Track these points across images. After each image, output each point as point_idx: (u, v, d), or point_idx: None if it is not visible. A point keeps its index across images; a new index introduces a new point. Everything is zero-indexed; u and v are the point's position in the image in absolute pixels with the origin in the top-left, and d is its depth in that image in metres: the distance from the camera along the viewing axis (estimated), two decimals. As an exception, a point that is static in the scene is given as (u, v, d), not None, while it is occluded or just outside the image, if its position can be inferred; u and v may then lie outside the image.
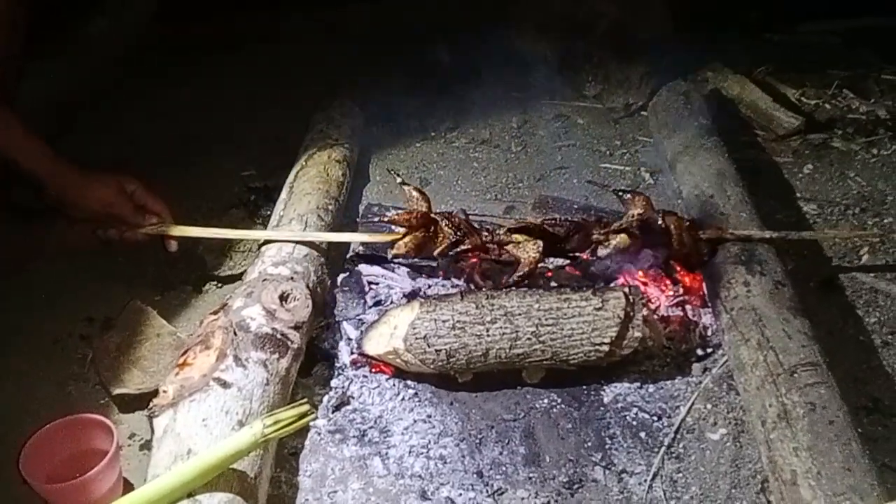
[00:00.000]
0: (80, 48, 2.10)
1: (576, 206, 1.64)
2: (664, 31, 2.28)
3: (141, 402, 1.21)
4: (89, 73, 2.11)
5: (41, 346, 1.34)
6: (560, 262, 1.45)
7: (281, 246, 1.36)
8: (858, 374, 1.29)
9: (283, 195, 1.53)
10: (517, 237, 1.35)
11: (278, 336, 1.16)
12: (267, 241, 1.39)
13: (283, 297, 1.21)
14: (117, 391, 1.22)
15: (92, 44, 2.15)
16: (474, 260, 1.43)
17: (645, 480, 1.12)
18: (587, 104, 2.10)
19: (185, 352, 1.11)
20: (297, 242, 1.36)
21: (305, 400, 1.01)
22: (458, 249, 1.36)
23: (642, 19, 2.30)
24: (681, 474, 1.13)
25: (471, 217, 1.43)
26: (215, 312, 1.19)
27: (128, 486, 1.09)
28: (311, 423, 1.19)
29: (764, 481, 1.10)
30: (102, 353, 1.29)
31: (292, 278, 1.26)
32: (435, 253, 1.38)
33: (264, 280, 1.24)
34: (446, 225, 1.34)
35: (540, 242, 1.34)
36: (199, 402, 1.03)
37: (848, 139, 1.95)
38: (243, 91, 2.12)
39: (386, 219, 1.38)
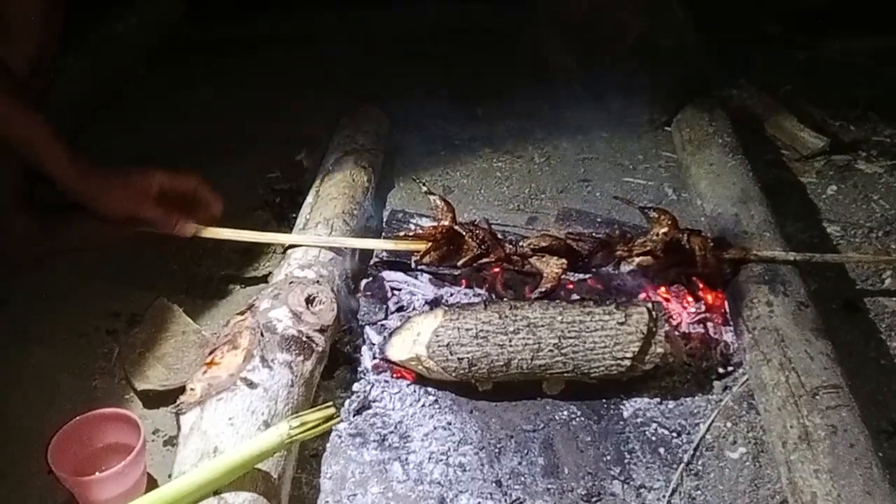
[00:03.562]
0: (104, 45, 2.13)
1: (599, 220, 1.64)
2: (689, 46, 2.29)
3: (165, 398, 1.23)
4: (112, 71, 2.14)
5: (67, 341, 1.36)
6: (584, 275, 1.46)
7: (307, 249, 1.38)
8: (879, 398, 1.29)
9: (310, 199, 1.54)
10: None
11: (304, 338, 1.17)
12: (292, 245, 1.40)
13: (310, 300, 1.23)
14: (142, 387, 1.24)
15: (116, 41, 2.18)
16: (497, 270, 1.44)
17: (663, 496, 1.12)
18: (611, 117, 2.10)
19: (213, 351, 1.13)
20: (323, 247, 1.37)
21: (331, 403, 1.02)
22: (482, 262, 1.37)
23: (667, 34, 2.30)
24: (699, 492, 1.13)
25: (493, 227, 1.44)
26: (242, 313, 1.20)
27: (151, 482, 1.11)
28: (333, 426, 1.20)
29: (783, 502, 1.10)
30: (128, 349, 1.31)
31: (318, 281, 1.28)
32: (458, 264, 1.39)
33: (291, 282, 1.25)
34: (470, 238, 1.35)
35: (564, 260, 1.35)
36: (226, 402, 1.04)
37: (872, 161, 1.95)
38: (268, 92, 2.14)
39: (411, 233, 1.39)
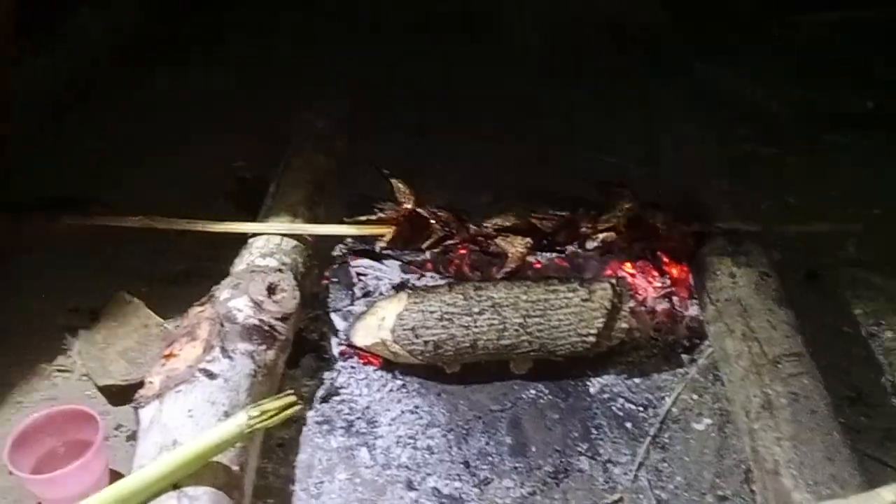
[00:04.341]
0: (68, 40, 2.08)
1: (565, 198, 1.63)
2: (658, 24, 2.28)
3: (128, 393, 1.20)
4: (78, 65, 2.09)
5: (26, 338, 1.33)
6: (551, 254, 1.45)
7: (269, 237, 1.36)
8: (842, 365, 1.31)
9: (272, 187, 1.52)
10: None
11: (265, 327, 1.16)
12: (255, 234, 1.38)
13: (271, 289, 1.21)
14: (103, 382, 1.22)
15: (81, 35, 2.14)
16: (463, 252, 1.44)
17: (630, 470, 1.13)
18: (578, 95, 2.09)
19: (171, 343, 1.11)
20: (285, 235, 1.35)
21: (291, 391, 1.01)
22: (447, 244, 1.36)
23: (636, 10, 2.30)
24: (665, 464, 1.14)
25: (459, 208, 1.43)
26: (202, 304, 1.18)
27: (115, 478, 1.08)
28: (299, 414, 1.19)
29: (748, 471, 1.11)
30: (88, 345, 1.28)
31: (280, 270, 1.26)
32: (423, 247, 1.38)
33: (252, 272, 1.24)
34: (433, 220, 1.34)
35: (528, 239, 1.34)
36: (185, 394, 1.02)
37: (837, 131, 1.96)
38: (233, 84, 2.10)
39: (374, 217, 1.37)
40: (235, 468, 0.98)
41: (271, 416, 0.96)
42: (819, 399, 1.07)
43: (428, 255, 1.46)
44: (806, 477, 0.98)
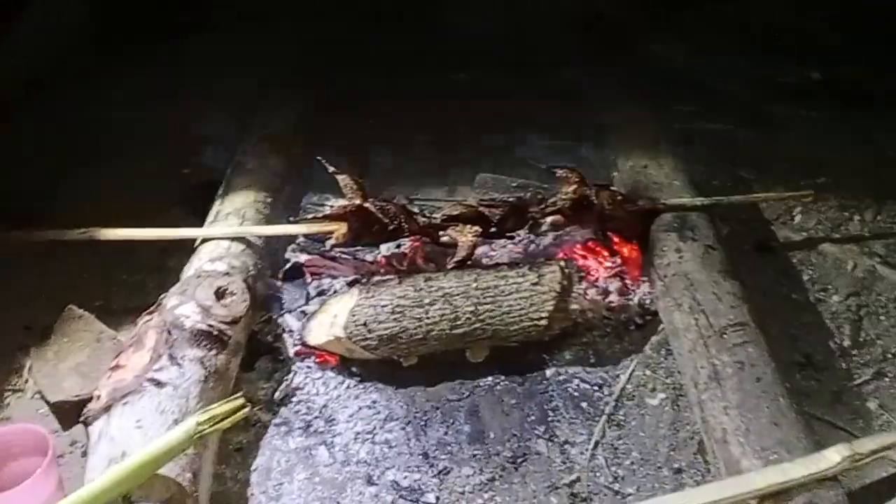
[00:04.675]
0: (16, 40, 2.04)
1: (514, 184, 1.64)
2: (608, 5, 2.30)
3: (81, 408, 1.19)
4: (26, 66, 2.05)
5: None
6: (503, 241, 1.45)
7: (218, 241, 1.35)
8: (792, 332, 1.33)
9: (221, 189, 1.51)
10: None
11: (215, 332, 1.15)
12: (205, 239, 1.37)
13: (220, 293, 1.20)
14: (55, 399, 1.20)
15: (29, 36, 2.10)
16: (417, 244, 1.44)
17: (587, 449, 1.14)
18: (528, 81, 2.09)
19: (118, 354, 1.10)
20: (233, 239, 1.34)
21: (241, 394, 1.00)
22: (397, 238, 1.36)
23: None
24: (621, 441, 1.16)
25: (413, 200, 1.43)
26: (150, 312, 1.18)
27: (70, 494, 1.08)
28: (256, 418, 1.19)
29: (700, 442, 1.13)
30: (40, 362, 1.26)
31: (229, 273, 1.25)
32: (375, 242, 1.37)
33: (199, 276, 1.23)
34: (381, 214, 1.33)
35: (477, 227, 1.34)
36: (132, 404, 1.02)
37: (783, 103, 1.98)
38: (186, 86, 2.07)
39: (321, 214, 1.36)
40: (188, 475, 0.98)
41: (219, 421, 0.96)
42: (764, 366, 1.09)
43: (383, 249, 1.46)
44: (753, 443, 1.00)
